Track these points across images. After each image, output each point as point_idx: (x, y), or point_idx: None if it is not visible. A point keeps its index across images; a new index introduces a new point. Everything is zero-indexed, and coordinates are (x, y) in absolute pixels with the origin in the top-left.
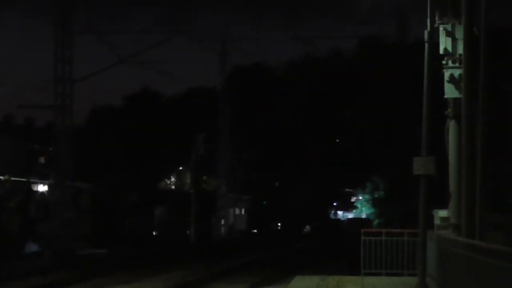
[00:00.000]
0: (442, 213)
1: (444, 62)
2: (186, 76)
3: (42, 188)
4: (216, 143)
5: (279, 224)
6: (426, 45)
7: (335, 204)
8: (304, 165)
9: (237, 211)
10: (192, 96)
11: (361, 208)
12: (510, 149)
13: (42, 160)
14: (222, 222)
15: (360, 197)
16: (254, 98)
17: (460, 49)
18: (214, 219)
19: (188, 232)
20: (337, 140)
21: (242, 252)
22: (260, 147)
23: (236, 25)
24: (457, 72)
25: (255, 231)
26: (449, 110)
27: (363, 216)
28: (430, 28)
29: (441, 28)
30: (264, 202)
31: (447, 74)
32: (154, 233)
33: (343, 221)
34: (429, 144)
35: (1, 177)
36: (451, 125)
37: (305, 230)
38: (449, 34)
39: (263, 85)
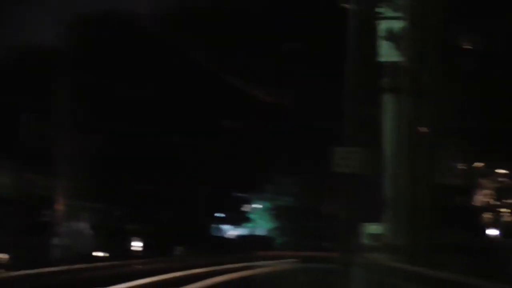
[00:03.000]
0: (374, 228)
1: (379, 10)
2: (14, 33)
3: None
4: (50, 127)
5: (141, 243)
6: None
7: (219, 215)
8: (175, 161)
9: (81, 225)
10: (20, 60)
11: (258, 221)
12: None
13: None
14: (57, 241)
15: (257, 206)
16: (107, 63)
17: None
18: (45, 236)
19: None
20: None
21: (82, 284)
22: (116, 134)
23: None
24: (397, 25)
25: (105, 254)
26: (386, 80)
27: (261, 232)
28: None
29: None
30: (121, 213)
31: (383, 27)
32: None
33: (232, 239)
34: (356, 130)
35: None
36: (389, 102)
37: (177, 252)
38: None
39: (119, 45)
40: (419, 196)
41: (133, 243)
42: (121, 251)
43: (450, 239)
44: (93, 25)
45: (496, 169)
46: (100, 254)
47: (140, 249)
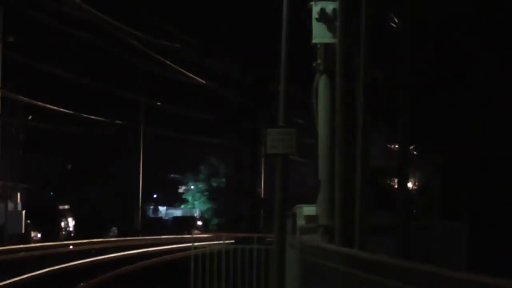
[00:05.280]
0: (308, 209)
1: None
2: None
3: None
4: None
5: (72, 224)
6: None
7: (155, 196)
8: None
9: (10, 205)
10: None
11: (193, 202)
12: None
13: None
14: None
15: (192, 187)
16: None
17: None
18: None
19: None
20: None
21: (19, 266)
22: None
23: None
24: (331, 6)
25: (36, 234)
26: (319, 61)
27: (196, 213)
28: None
29: None
30: (52, 193)
31: (316, 9)
32: None
33: (167, 220)
34: (289, 110)
35: None
36: (322, 83)
37: (111, 233)
38: None
39: None
40: (352, 178)
41: (65, 223)
42: (53, 231)
43: (383, 221)
44: None
45: (428, 152)
46: (33, 234)
47: (73, 229)
